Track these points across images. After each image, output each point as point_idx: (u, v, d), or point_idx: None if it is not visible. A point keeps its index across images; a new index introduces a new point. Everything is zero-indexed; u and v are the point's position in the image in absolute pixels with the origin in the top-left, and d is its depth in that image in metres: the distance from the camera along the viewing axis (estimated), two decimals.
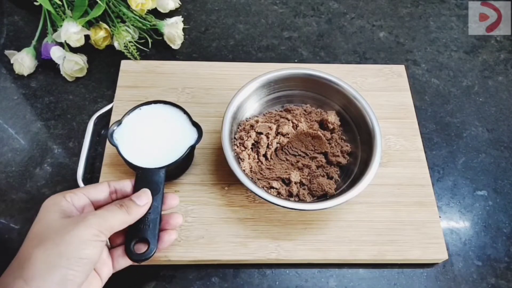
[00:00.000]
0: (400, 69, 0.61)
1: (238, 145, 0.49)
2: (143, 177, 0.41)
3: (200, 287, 0.45)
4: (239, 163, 0.47)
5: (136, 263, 0.39)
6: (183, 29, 0.63)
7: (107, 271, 0.38)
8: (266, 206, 0.48)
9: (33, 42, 0.59)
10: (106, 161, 0.50)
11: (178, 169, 0.48)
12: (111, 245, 0.40)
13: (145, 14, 0.62)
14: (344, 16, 0.70)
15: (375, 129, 0.48)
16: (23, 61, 0.57)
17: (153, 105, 0.48)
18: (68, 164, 0.52)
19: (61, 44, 0.58)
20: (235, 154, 0.48)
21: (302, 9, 0.71)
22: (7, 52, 0.59)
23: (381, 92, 0.58)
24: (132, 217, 0.37)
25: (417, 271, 0.47)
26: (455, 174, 0.54)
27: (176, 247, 0.45)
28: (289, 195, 0.48)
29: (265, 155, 0.50)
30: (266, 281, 0.46)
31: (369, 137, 0.48)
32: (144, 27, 0.62)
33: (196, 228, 0.46)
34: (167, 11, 0.66)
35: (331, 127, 0.52)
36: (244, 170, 0.47)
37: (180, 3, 0.68)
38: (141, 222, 0.39)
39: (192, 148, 0.45)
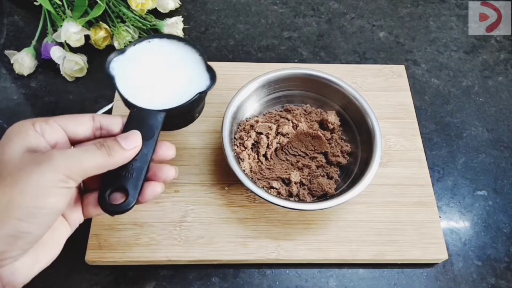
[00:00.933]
0: (400, 69, 0.61)
1: (238, 145, 0.49)
2: (136, 118, 0.34)
3: (200, 287, 0.45)
4: (239, 163, 0.47)
5: (110, 214, 0.32)
6: (183, 29, 0.63)
7: (76, 218, 0.32)
8: (266, 206, 0.48)
9: (33, 42, 0.59)
10: None
11: (180, 118, 0.40)
12: (85, 189, 0.33)
13: (145, 14, 0.62)
14: (344, 16, 0.70)
15: (375, 129, 0.48)
16: (23, 61, 0.57)
17: (165, 39, 0.40)
18: None
19: (61, 44, 0.58)
20: (235, 154, 0.48)
21: (302, 9, 0.71)
22: (7, 52, 0.59)
23: (381, 92, 0.58)
24: (113, 161, 0.30)
25: (417, 271, 0.47)
26: (455, 174, 0.54)
27: (176, 247, 0.45)
28: (289, 195, 0.48)
29: (265, 155, 0.50)
30: (266, 281, 0.46)
31: (369, 137, 0.48)
32: (144, 27, 0.62)
33: (196, 228, 0.46)
34: (167, 11, 0.66)
35: (331, 127, 0.52)
36: (244, 170, 0.47)
37: (180, 3, 0.68)
38: (123, 169, 0.32)
39: (200, 95, 0.37)
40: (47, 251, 0.29)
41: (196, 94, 0.37)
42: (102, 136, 0.33)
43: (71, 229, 0.32)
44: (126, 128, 0.33)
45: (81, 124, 0.32)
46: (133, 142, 0.31)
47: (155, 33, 0.63)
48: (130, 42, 0.59)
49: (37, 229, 0.26)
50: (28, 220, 0.26)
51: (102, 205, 0.32)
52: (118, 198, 0.32)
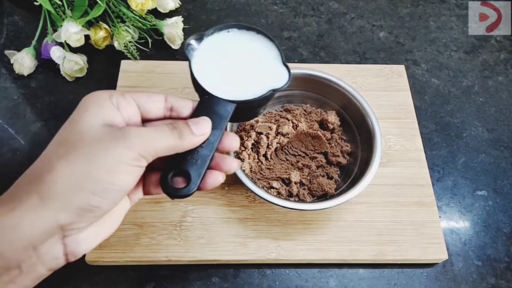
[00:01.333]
0: (400, 69, 0.61)
1: None
2: (207, 106, 0.34)
3: (200, 287, 0.45)
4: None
5: (170, 197, 0.32)
6: (183, 29, 0.63)
7: (137, 194, 0.33)
8: (266, 206, 0.48)
9: (33, 42, 0.59)
10: None
11: (246, 111, 0.39)
12: (148, 168, 0.33)
13: (145, 14, 0.62)
14: (344, 16, 0.70)
15: (375, 129, 0.48)
16: (23, 61, 0.57)
17: (245, 31, 0.39)
18: None
19: (61, 44, 0.58)
20: (235, 154, 0.48)
21: (302, 9, 0.71)
22: (7, 52, 0.59)
23: (381, 92, 0.58)
24: (183, 145, 0.30)
25: (417, 271, 0.47)
26: (455, 174, 0.54)
27: (176, 247, 0.45)
28: (289, 195, 0.48)
29: (265, 155, 0.50)
30: (266, 281, 0.46)
31: (369, 137, 0.48)
32: (144, 27, 0.62)
33: (196, 228, 0.46)
34: (167, 11, 0.66)
35: (331, 127, 0.52)
36: (244, 170, 0.47)
37: (180, 3, 0.68)
38: (189, 154, 0.32)
39: (273, 92, 0.36)
40: (108, 224, 0.30)
41: (269, 91, 0.36)
42: (171, 117, 0.33)
43: (131, 204, 0.32)
44: (195, 114, 0.33)
45: (155, 102, 0.32)
46: (203, 128, 0.31)
47: (155, 34, 0.63)
48: (129, 42, 0.59)
49: (106, 204, 0.27)
50: (100, 195, 0.26)
51: (163, 187, 0.31)
52: (179, 182, 0.32)
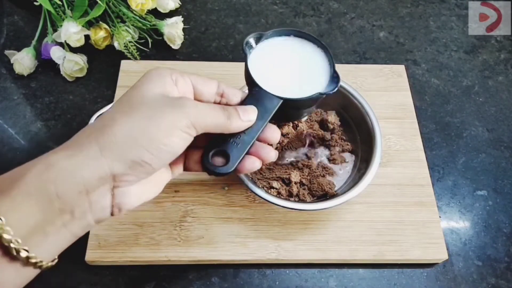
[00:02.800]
0: (400, 69, 0.61)
1: None
2: (256, 98, 0.37)
3: (200, 287, 0.45)
4: None
5: (207, 173, 0.34)
6: (183, 29, 0.63)
7: (179, 168, 0.35)
8: (266, 206, 0.48)
9: (33, 42, 0.59)
10: None
11: (291, 111, 0.42)
12: (192, 144, 0.35)
13: (145, 14, 0.62)
14: (344, 16, 0.70)
15: (375, 129, 0.48)
16: (23, 61, 0.57)
17: (302, 38, 0.43)
18: None
19: (61, 44, 0.58)
20: None
21: (302, 9, 0.71)
22: (7, 52, 0.59)
23: (381, 92, 0.58)
24: (229, 126, 0.32)
25: (417, 271, 0.47)
26: (455, 174, 0.54)
27: (176, 247, 0.45)
28: (289, 195, 0.48)
29: None
30: (266, 281, 0.46)
31: (369, 137, 0.48)
32: (144, 27, 0.62)
33: (196, 228, 0.46)
34: (167, 11, 0.66)
35: (331, 127, 0.52)
36: None
37: (180, 3, 0.68)
38: (232, 137, 0.34)
39: (319, 96, 0.38)
40: (151, 188, 0.32)
41: (316, 93, 0.38)
42: (221, 103, 0.35)
43: (172, 177, 0.35)
44: (244, 103, 0.36)
45: (209, 86, 0.34)
46: (249, 115, 0.34)
47: (155, 34, 0.63)
48: (129, 42, 0.59)
49: (156, 162, 0.29)
50: (152, 152, 0.28)
51: (203, 162, 0.34)
52: (219, 162, 0.34)
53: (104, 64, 0.61)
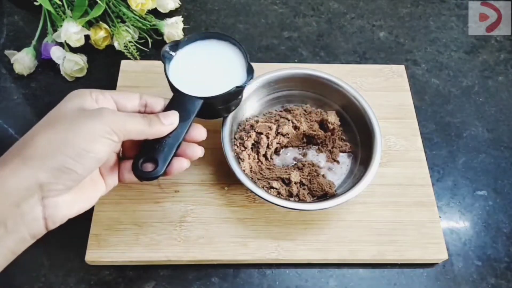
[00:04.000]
0: (400, 69, 0.61)
1: (238, 145, 0.49)
2: (177, 101, 0.39)
3: (200, 287, 0.45)
4: (239, 163, 0.47)
5: (139, 180, 0.37)
6: (183, 29, 0.63)
7: (113, 180, 0.37)
8: (266, 206, 0.48)
9: (33, 42, 0.59)
10: None
11: (216, 108, 0.45)
12: (122, 156, 0.39)
13: (145, 14, 0.62)
14: (344, 16, 0.70)
15: (375, 129, 0.48)
16: (23, 61, 0.57)
17: (215, 40, 0.46)
18: None
19: (61, 44, 0.58)
20: (235, 154, 0.48)
21: (302, 9, 0.71)
22: (7, 52, 0.59)
23: (381, 92, 0.58)
24: (151, 131, 0.35)
25: (417, 271, 0.47)
26: (455, 174, 0.54)
27: (176, 247, 0.45)
28: (289, 195, 0.48)
29: (265, 155, 0.50)
30: (266, 281, 0.46)
31: (369, 137, 0.48)
32: (144, 27, 0.62)
33: (196, 228, 0.46)
34: (167, 11, 0.66)
35: (331, 127, 0.52)
36: (244, 170, 0.47)
37: (180, 3, 0.68)
38: (158, 143, 0.37)
39: (236, 89, 0.42)
40: (84, 199, 0.34)
41: (233, 88, 0.41)
42: (145, 112, 0.38)
43: (107, 189, 0.37)
44: (167, 109, 0.39)
45: (130, 99, 0.37)
46: (171, 119, 0.37)
47: (155, 34, 0.63)
48: (129, 42, 0.59)
49: (81, 169, 0.30)
50: (75, 159, 0.30)
51: (134, 170, 0.36)
52: (149, 167, 0.37)
53: (104, 64, 0.61)
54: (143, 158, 0.37)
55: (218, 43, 0.46)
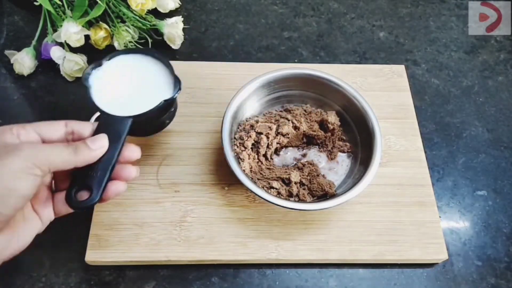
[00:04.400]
0: (400, 69, 0.61)
1: (238, 145, 0.49)
2: (105, 123, 0.38)
3: (200, 287, 0.45)
4: (239, 163, 0.47)
5: (74, 210, 0.35)
6: (183, 29, 0.63)
7: (48, 214, 0.35)
8: (266, 206, 0.48)
9: (33, 42, 0.59)
10: None
11: (148, 124, 0.44)
12: (56, 189, 0.37)
13: (145, 14, 0.62)
14: (344, 16, 0.70)
15: (375, 129, 0.48)
16: (23, 61, 0.57)
17: (137, 54, 0.45)
18: None
19: (61, 44, 0.58)
20: (235, 154, 0.48)
21: (302, 9, 0.71)
22: (7, 52, 0.59)
23: (381, 92, 0.58)
24: (78, 158, 0.33)
25: (417, 271, 0.47)
26: (455, 174, 0.54)
27: (176, 247, 0.45)
28: (289, 195, 0.48)
29: (265, 155, 0.50)
30: (266, 281, 0.46)
31: (369, 137, 0.48)
32: (144, 27, 0.62)
33: (196, 228, 0.46)
34: (167, 11, 0.66)
35: (331, 127, 0.52)
36: (244, 170, 0.47)
37: (180, 3, 0.68)
38: (90, 169, 0.35)
39: (165, 103, 0.41)
40: (18, 239, 0.32)
41: (161, 102, 0.40)
42: (73, 140, 0.36)
43: (43, 225, 0.35)
44: (96, 133, 0.37)
45: (55, 129, 0.35)
46: (100, 143, 0.35)
47: (155, 34, 0.63)
48: (129, 42, 0.59)
49: (5, 209, 0.29)
50: None
51: (68, 201, 0.35)
52: (83, 196, 0.35)
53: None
54: (76, 187, 0.35)
55: (139, 58, 0.44)
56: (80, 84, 0.59)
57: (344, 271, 0.47)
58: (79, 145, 0.34)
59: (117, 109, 0.39)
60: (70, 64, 0.57)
